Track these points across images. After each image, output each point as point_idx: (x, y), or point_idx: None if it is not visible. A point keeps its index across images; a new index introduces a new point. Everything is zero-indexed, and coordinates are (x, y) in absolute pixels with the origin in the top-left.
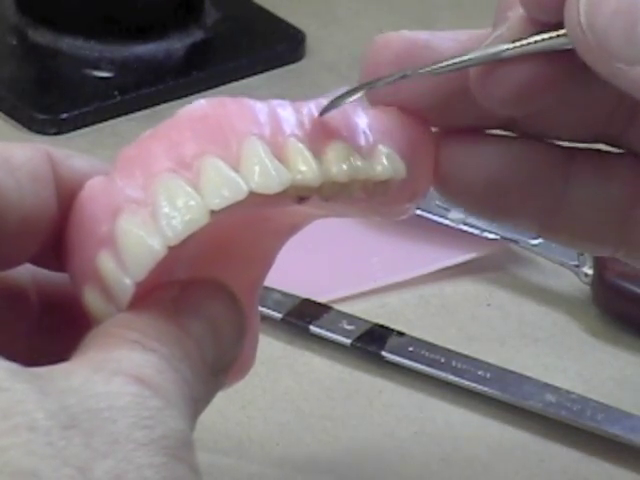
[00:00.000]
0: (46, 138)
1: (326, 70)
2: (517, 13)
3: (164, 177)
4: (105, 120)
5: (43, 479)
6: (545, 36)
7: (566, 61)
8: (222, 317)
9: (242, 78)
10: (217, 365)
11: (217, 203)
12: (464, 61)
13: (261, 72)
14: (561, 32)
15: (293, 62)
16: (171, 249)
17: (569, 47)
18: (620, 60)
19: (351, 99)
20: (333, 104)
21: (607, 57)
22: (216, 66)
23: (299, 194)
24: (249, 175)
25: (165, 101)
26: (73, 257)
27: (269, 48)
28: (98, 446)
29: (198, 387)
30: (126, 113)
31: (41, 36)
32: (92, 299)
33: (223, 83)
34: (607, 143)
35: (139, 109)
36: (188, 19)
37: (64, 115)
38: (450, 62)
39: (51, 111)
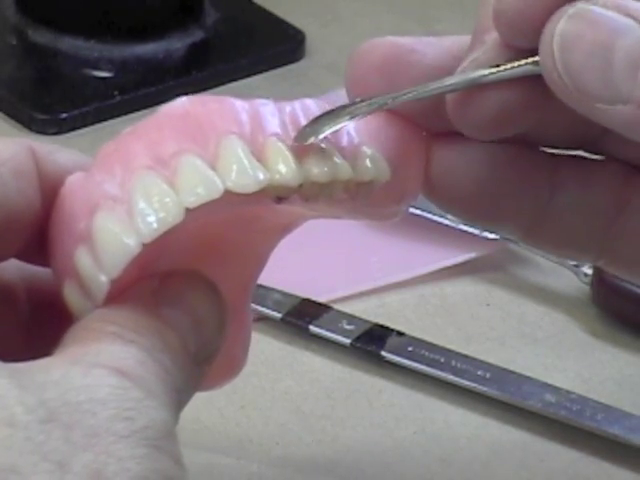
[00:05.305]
0: (46, 138)
1: (326, 70)
2: (493, 37)
3: (141, 174)
4: (105, 120)
5: (22, 474)
6: (527, 61)
7: (544, 85)
8: (203, 307)
9: (242, 78)
10: (199, 355)
11: (192, 201)
12: (444, 86)
13: (261, 72)
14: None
15: (293, 62)
16: (147, 246)
17: None
18: (599, 101)
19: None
20: (307, 130)
21: (585, 98)
22: (216, 66)
23: (278, 194)
24: (226, 174)
25: (165, 101)
26: (54, 253)
27: (269, 48)
28: (77, 440)
29: (180, 377)
30: (126, 113)
31: (41, 36)
32: (71, 295)
33: (223, 83)
34: (587, 149)
35: (139, 109)
36: (188, 19)
37: (64, 115)
38: (430, 88)
39: (51, 111)
